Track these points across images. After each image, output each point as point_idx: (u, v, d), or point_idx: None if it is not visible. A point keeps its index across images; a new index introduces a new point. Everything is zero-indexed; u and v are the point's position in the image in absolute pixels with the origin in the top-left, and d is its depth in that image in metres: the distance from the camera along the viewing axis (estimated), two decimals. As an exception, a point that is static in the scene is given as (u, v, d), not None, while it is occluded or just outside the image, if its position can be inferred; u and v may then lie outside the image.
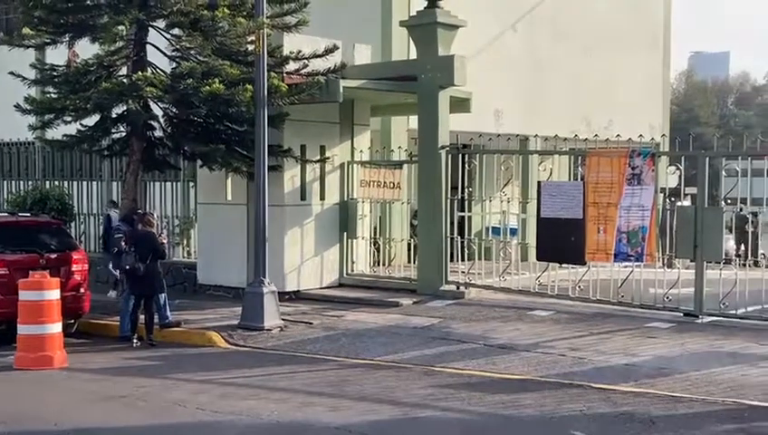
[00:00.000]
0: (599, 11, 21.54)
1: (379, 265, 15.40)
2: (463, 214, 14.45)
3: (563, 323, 11.80)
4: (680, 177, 13.05)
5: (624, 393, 8.51)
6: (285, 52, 13.04)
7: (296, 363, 10.21)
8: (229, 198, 14.57)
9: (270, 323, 11.89)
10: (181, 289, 15.00)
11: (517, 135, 17.67)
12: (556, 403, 8.17)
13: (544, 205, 12.77)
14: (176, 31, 12.87)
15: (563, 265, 13.25)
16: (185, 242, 16.38)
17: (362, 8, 17.43)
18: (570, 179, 14.21)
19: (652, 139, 15.79)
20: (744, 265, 12.06)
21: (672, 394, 8.42)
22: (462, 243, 14.17)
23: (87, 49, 13.13)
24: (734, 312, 11.63)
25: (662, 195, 12.79)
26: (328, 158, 14.54)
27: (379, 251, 15.44)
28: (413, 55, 15.03)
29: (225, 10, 12.20)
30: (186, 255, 16.25)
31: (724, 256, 12.34)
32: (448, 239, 13.95)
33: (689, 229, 11.82)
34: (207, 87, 11.94)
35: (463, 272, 14.01)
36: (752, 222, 15.18)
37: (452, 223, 14.02)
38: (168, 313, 12.18)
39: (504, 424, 7.72)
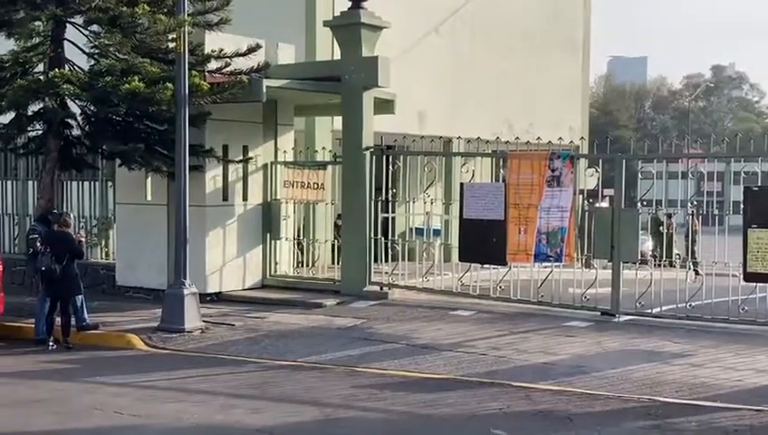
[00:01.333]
0: (520, 15, 21.88)
1: (302, 266, 15.34)
2: (387, 215, 14.49)
3: (485, 323, 11.93)
4: (598, 179, 13.36)
5: (543, 391, 8.65)
6: (207, 50, 12.89)
7: (218, 365, 10.09)
8: (149, 198, 14.34)
9: (191, 325, 11.74)
10: (99, 291, 14.68)
11: (440, 137, 17.84)
12: (477, 402, 8.26)
13: (467, 206, 12.90)
14: (94, 27, 12.61)
15: (485, 266, 13.41)
16: (103, 243, 16.07)
17: (286, 8, 17.36)
18: (492, 181, 14.38)
19: (571, 141, 16.11)
20: (660, 265, 12.38)
21: (589, 392, 8.59)
22: (386, 244, 14.21)
23: (2, 45, 12.76)
24: (649, 311, 11.94)
25: (581, 196, 13.03)
26: (251, 158, 14.42)
27: (302, 252, 15.38)
28: (337, 55, 15.02)
29: (146, 7, 11.99)
30: (104, 256, 15.95)
31: (640, 257, 12.67)
32: (372, 240, 13.98)
33: (606, 230, 12.09)
34: (126, 85, 11.73)
35: (386, 273, 14.05)
36: (666, 224, 15.60)
37: (376, 224, 14.06)
38: (86, 315, 11.91)
39: (426, 423, 7.76)
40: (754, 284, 11.21)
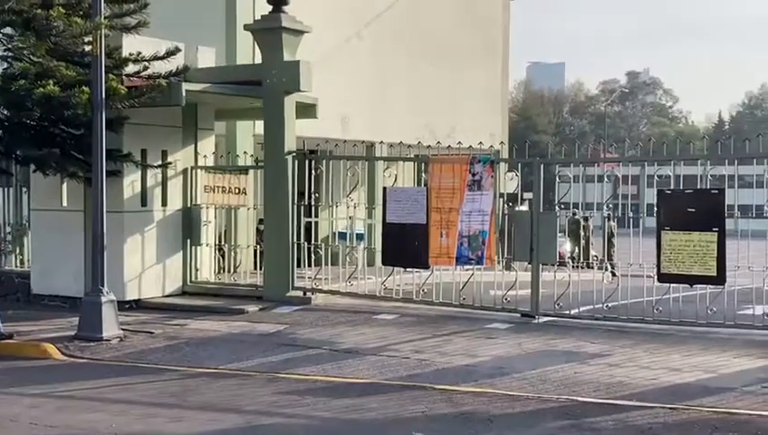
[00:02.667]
0: (441, 20, 22.10)
1: (224, 272, 15.19)
2: (310, 219, 14.45)
3: (408, 327, 12.00)
4: (518, 183, 13.57)
5: (465, 393, 8.74)
6: (125, 53, 12.66)
7: (137, 374, 9.91)
8: (65, 204, 14.02)
9: (109, 334, 11.51)
10: (14, 299, 14.31)
11: (363, 141, 17.87)
12: (399, 405, 8.30)
13: (389, 210, 12.96)
14: (7, 30, 12.27)
15: (408, 270, 13.48)
16: (17, 250, 15.67)
17: (207, 11, 17.18)
18: (414, 185, 14.51)
19: (491, 146, 16.31)
20: (577, 266, 12.64)
21: (510, 393, 8.71)
22: (309, 248, 14.17)
23: None
24: (568, 312, 12.17)
25: (501, 200, 13.22)
26: (170, 163, 14.21)
27: (224, 258, 15.23)
28: (258, 59, 14.93)
29: (61, 9, 11.71)
30: (18, 263, 15.56)
31: (559, 259, 12.92)
32: (295, 245, 13.92)
33: (526, 233, 12.29)
34: (41, 89, 11.45)
35: (310, 278, 14.02)
36: (584, 226, 15.98)
37: (298, 229, 14.01)
38: (0, 324, 11.58)
39: (349, 428, 7.77)
40: (668, 284, 11.52)
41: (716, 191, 11.08)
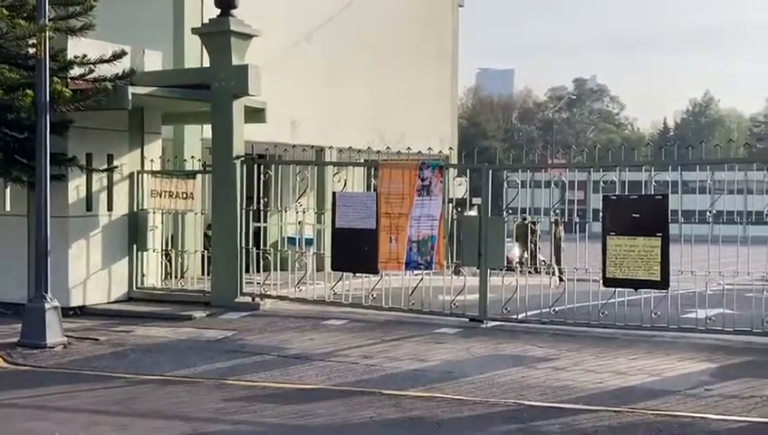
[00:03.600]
0: (391, 26, 22.17)
1: (171, 277, 15.02)
2: (259, 224, 14.37)
3: (357, 332, 11.99)
4: (467, 188, 13.65)
5: (413, 398, 8.75)
6: (70, 56, 12.45)
7: (81, 382, 9.74)
8: (8, 208, 13.75)
9: (53, 341, 11.30)
10: (-46, 307, 13.96)
11: (312, 146, 17.84)
12: (347, 411, 8.28)
13: (339, 215, 12.94)
14: (-52, 31, 12.00)
15: (358, 275, 13.47)
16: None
17: (154, 14, 17.01)
18: (364, 191, 14.48)
19: (440, 151, 16.41)
20: (525, 271, 12.74)
21: (458, 397, 8.74)
22: (257, 254, 14.09)
23: None
24: (515, 316, 12.27)
25: (450, 205, 13.29)
26: (116, 167, 14.02)
27: (171, 263, 15.05)
28: (207, 63, 14.80)
29: (4, 11, 11.47)
30: (-41, 269, 15.17)
31: (507, 263, 13.02)
32: (243, 250, 13.83)
33: (474, 238, 12.37)
34: (-17, 92, 11.22)
35: (258, 283, 13.93)
36: (532, 231, 16.12)
37: (247, 234, 13.91)
38: (-62, 332, 11.32)
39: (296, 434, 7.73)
40: (613, 289, 11.68)
41: (660, 197, 11.26)
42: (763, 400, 8.41)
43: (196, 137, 16.87)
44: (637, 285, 11.35)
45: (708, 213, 11.52)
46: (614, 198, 11.61)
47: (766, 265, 12.34)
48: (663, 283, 11.07)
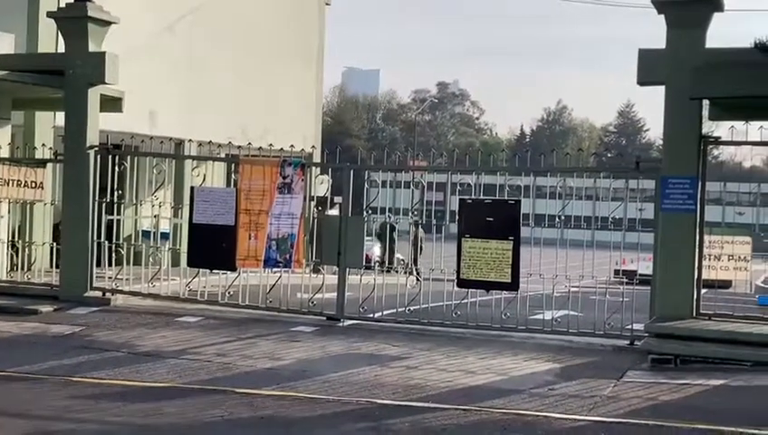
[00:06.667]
0: (257, 20, 21.96)
1: (17, 269, 14.37)
2: (112, 217, 13.95)
3: (212, 329, 11.82)
4: (329, 187, 13.69)
5: (266, 397, 8.70)
6: None
7: None
8: None
9: None
10: None
11: (171, 138, 17.45)
12: (198, 410, 8.15)
13: (197, 210, 12.72)
14: None
15: (215, 271, 13.29)
16: None
17: (7, -6, 16.25)
18: (224, 186, 14.28)
19: (303, 149, 16.35)
20: (384, 270, 12.90)
21: (311, 396, 8.75)
22: (110, 247, 13.68)
23: None
24: (372, 315, 12.40)
25: (312, 204, 13.29)
26: (-40, 152, 13.33)
27: (17, 254, 14.41)
28: (62, 48, 14.26)
29: None
30: None
31: (366, 262, 13.14)
32: (95, 243, 13.40)
33: (334, 237, 12.42)
34: None
35: (110, 278, 13.54)
36: (392, 229, 16.30)
37: (99, 226, 13.48)
38: None
39: (144, 434, 7.54)
40: (467, 289, 11.98)
41: (513, 202, 11.62)
42: (602, 399, 8.81)
43: (49, 124, 16.22)
44: (489, 286, 11.68)
45: (558, 218, 11.98)
46: (470, 201, 11.90)
47: (609, 268, 12.97)
48: (513, 284, 11.44)
